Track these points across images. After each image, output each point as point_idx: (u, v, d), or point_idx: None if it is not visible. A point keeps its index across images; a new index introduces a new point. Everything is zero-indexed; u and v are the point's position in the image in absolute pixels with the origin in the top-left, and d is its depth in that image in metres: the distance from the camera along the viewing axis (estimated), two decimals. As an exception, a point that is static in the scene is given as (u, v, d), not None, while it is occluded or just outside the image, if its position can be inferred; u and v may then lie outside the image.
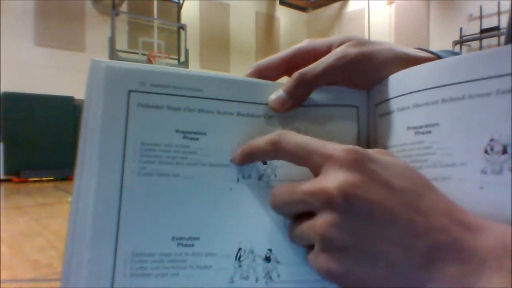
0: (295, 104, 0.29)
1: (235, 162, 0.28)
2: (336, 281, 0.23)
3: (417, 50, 0.32)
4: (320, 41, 0.31)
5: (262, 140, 0.27)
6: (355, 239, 0.22)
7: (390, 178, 0.23)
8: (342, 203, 0.22)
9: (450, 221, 0.21)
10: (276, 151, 0.26)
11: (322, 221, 0.23)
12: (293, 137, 0.26)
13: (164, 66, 0.29)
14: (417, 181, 0.23)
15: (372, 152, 0.24)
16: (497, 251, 0.20)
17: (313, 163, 0.25)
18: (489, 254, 0.20)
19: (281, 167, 0.29)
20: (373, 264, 0.22)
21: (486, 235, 0.21)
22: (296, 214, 0.26)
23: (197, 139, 0.28)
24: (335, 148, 0.24)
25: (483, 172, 0.23)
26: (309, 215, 0.24)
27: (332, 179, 0.23)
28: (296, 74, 0.29)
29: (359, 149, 0.24)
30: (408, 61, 0.30)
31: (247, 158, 0.28)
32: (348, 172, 0.23)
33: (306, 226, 0.24)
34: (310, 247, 0.25)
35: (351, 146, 0.24)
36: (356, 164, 0.23)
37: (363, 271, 0.22)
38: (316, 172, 0.25)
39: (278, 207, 0.27)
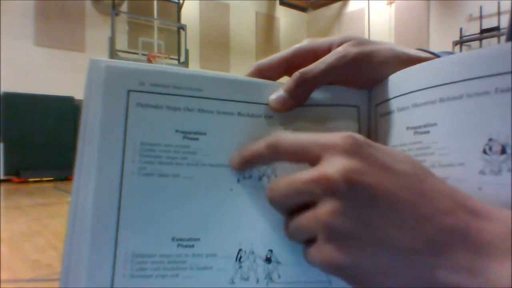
0: (296, 104, 0.29)
1: (234, 168, 0.28)
2: (341, 273, 0.22)
3: (418, 50, 0.31)
4: (320, 41, 0.31)
5: (259, 144, 0.27)
6: (360, 226, 0.21)
7: (390, 162, 0.22)
8: (345, 188, 0.21)
9: (455, 205, 0.21)
10: (274, 153, 0.26)
11: (325, 209, 0.22)
12: (289, 136, 0.25)
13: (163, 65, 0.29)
14: (417, 166, 0.23)
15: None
16: (504, 236, 0.19)
17: (312, 156, 0.24)
18: (497, 239, 0.19)
19: (282, 167, 0.29)
20: (380, 251, 0.21)
21: (492, 220, 0.20)
22: (293, 208, 0.25)
23: (197, 139, 0.28)
24: (331, 136, 0.24)
25: (482, 172, 0.23)
26: (306, 207, 0.24)
27: (333, 166, 0.22)
28: (296, 74, 0.29)
29: (356, 135, 0.23)
30: (408, 61, 0.30)
31: (246, 164, 0.28)
32: (348, 157, 0.22)
33: (307, 218, 0.23)
34: (308, 242, 0.24)
35: (347, 133, 0.23)
36: (354, 149, 0.22)
37: (370, 260, 0.21)
38: (315, 164, 0.24)
39: (275, 201, 0.26)
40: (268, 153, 0.26)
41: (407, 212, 0.21)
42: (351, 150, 0.22)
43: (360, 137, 0.23)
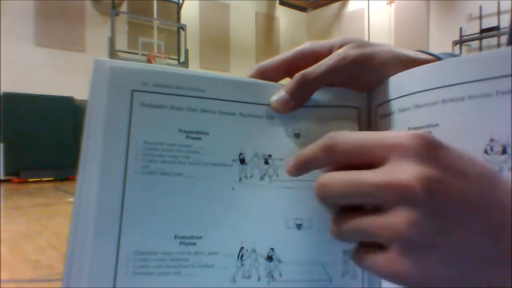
0: (297, 104, 0.30)
1: (289, 174, 0.27)
2: (415, 286, 0.21)
3: (418, 52, 0.32)
4: (321, 43, 0.32)
5: (314, 148, 0.25)
6: (439, 237, 0.20)
7: (463, 165, 0.21)
8: (424, 198, 0.20)
9: None
10: (332, 155, 0.24)
11: (401, 219, 0.20)
12: (346, 136, 0.23)
13: (165, 66, 0.29)
14: (486, 167, 0.22)
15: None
16: None
17: (375, 157, 0.22)
18: None
19: (283, 168, 0.29)
20: (462, 264, 0.20)
21: None
22: (345, 205, 0.24)
23: (200, 138, 0.28)
24: (397, 135, 0.22)
25: None
26: (361, 207, 0.22)
27: (407, 172, 0.20)
28: (297, 75, 0.29)
29: (425, 134, 0.21)
30: (408, 62, 0.30)
31: (302, 169, 0.26)
32: (421, 162, 0.20)
33: (375, 223, 0.21)
34: (363, 245, 0.23)
35: (415, 132, 0.21)
36: (428, 152, 0.21)
37: (449, 272, 0.20)
38: (378, 166, 0.22)
39: (328, 198, 0.24)
40: (324, 156, 0.24)
41: (486, 221, 0.20)
42: (424, 154, 0.21)
43: (430, 137, 0.21)
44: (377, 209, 0.22)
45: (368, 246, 0.23)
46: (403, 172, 0.20)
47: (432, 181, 0.20)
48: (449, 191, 0.20)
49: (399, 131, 0.22)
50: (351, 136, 0.23)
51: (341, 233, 0.24)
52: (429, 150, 0.21)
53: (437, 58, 0.31)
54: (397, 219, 0.20)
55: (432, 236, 0.20)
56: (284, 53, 0.32)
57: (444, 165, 0.21)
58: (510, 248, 0.20)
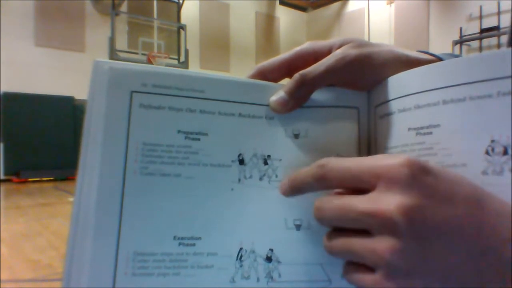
0: (296, 105, 0.29)
1: (283, 194, 0.28)
2: None
3: (418, 52, 0.32)
4: (321, 43, 0.32)
5: (307, 174, 0.26)
6: (423, 261, 0.20)
7: (449, 188, 0.21)
8: (405, 227, 0.20)
9: None
10: (323, 184, 0.25)
11: (384, 245, 0.21)
12: (337, 163, 0.24)
13: (165, 66, 0.29)
14: (473, 188, 0.22)
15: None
16: None
17: (365, 184, 0.23)
18: None
19: (282, 168, 0.29)
20: (443, 285, 0.20)
21: None
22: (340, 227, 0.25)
23: (199, 139, 0.28)
24: (384, 163, 0.22)
25: (484, 173, 0.24)
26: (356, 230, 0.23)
27: (391, 201, 0.21)
28: (297, 75, 0.29)
29: (411, 160, 0.22)
30: (408, 62, 0.30)
31: (296, 191, 0.27)
32: (406, 191, 0.21)
33: (362, 246, 0.22)
34: (353, 263, 0.24)
35: (401, 159, 0.22)
36: (413, 180, 0.21)
37: None
38: (368, 192, 0.23)
39: (323, 221, 0.25)
40: (317, 184, 0.25)
41: (469, 244, 0.20)
42: (408, 182, 0.21)
43: (415, 162, 0.22)
44: (367, 232, 0.23)
45: (357, 264, 0.23)
46: (386, 201, 0.21)
47: (413, 210, 0.21)
48: (432, 218, 0.21)
49: (386, 158, 0.23)
50: (341, 164, 0.24)
51: (332, 249, 0.25)
52: (414, 178, 0.21)
53: (438, 58, 0.31)
54: (381, 245, 0.21)
55: (416, 261, 0.21)
56: (284, 54, 0.32)
57: (428, 192, 0.21)
58: (498, 269, 0.20)
